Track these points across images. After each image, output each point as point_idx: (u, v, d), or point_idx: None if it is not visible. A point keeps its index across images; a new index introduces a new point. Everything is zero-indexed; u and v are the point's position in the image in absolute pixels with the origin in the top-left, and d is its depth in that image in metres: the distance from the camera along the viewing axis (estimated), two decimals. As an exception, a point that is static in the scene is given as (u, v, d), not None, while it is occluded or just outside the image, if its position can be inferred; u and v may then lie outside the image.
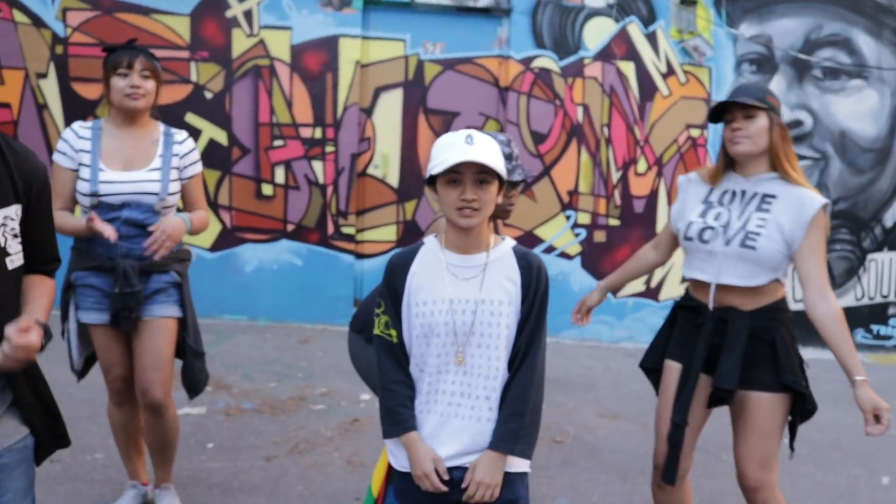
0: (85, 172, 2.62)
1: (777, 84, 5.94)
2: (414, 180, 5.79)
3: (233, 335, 5.38)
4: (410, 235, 5.77)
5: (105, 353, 2.73)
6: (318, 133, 5.60)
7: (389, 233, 5.82)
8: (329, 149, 5.61)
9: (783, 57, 5.92)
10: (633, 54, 5.82)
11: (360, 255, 5.79)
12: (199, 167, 2.83)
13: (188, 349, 2.79)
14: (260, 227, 5.61)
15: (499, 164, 1.75)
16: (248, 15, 5.51)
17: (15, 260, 1.63)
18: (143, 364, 2.69)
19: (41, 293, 1.73)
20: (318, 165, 5.61)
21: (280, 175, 5.60)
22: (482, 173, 1.73)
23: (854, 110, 6.06)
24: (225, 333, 5.38)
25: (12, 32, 5.40)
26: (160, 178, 2.67)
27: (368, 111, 5.73)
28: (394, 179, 5.79)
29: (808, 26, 5.93)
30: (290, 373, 4.73)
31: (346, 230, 5.68)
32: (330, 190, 5.63)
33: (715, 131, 5.93)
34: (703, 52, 5.82)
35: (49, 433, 1.76)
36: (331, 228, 5.66)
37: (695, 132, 5.93)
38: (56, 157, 2.63)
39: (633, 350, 5.82)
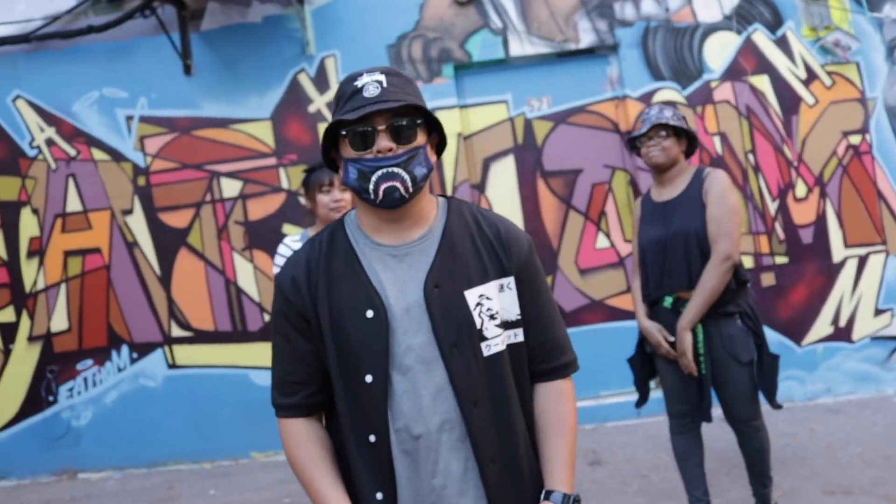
0: None
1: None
2: (544, 254, 5.45)
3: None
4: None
5: None
6: (429, 220, 5.36)
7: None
8: (445, 235, 5.35)
9: (940, 34, 5.42)
10: (765, 66, 5.46)
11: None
12: None
13: None
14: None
15: None
16: (331, 106, 5.38)
17: (492, 346, 1.60)
18: None
19: (556, 433, 1.66)
20: (436, 256, 5.35)
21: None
22: None
23: None
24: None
25: (94, 172, 5.42)
26: None
27: (480, 186, 5.54)
28: (522, 256, 5.47)
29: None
30: None
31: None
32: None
33: (879, 133, 5.42)
34: (845, 46, 5.39)
35: None
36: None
37: (854, 138, 5.45)
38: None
39: (836, 405, 5.24)
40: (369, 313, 1.56)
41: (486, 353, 1.59)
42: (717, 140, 5.42)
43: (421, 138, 1.58)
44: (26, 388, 5.50)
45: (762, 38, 5.45)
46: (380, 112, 1.53)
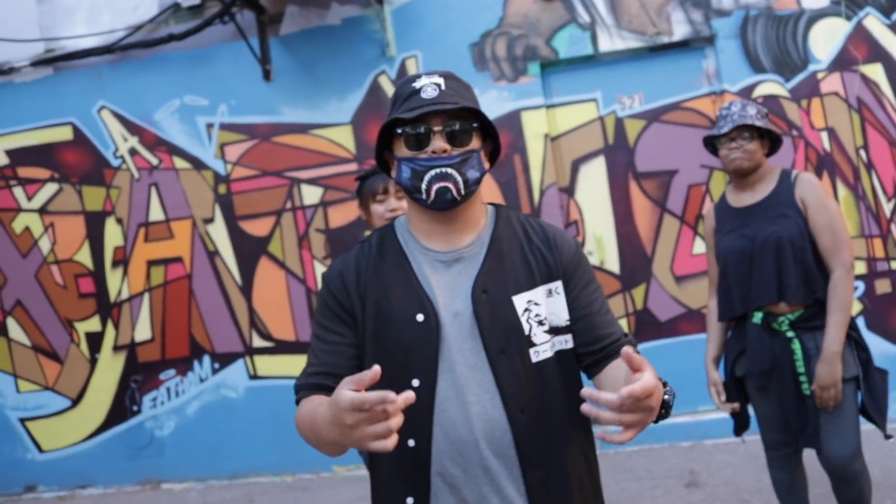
0: None
1: None
2: (637, 260, 5.19)
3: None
4: (646, 328, 5.13)
5: None
6: (515, 226, 5.17)
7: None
8: (532, 241, 5.16)
9: None
10: (878, 53, 5.07)
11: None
12: None
13: None
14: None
15: None
16: (413, 109, 5.25)
17: (540, 352, 1.60)
18: None
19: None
20: (522, 263, 5.16)
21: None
22: None
23: None
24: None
25: (175, 181, 5.42)
26: None
27: (569, 189, 5.30)
28: (613, 264, 5.26)
29: None
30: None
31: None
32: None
33: None
34: (970, 31, 4.94)
35: None
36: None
37: (982, 132, 5.00)
38: None
39: (964, 424, 4.80)
40: (420, 317, 1.57)
41: (534, 359, 1.59)
42: (824, 136, 5.06)
43: (476, 143, 1.61)
44: (111, 398, 5.56)
45: (875, 24, 5.06)
46: (437, 113, 1.56)
